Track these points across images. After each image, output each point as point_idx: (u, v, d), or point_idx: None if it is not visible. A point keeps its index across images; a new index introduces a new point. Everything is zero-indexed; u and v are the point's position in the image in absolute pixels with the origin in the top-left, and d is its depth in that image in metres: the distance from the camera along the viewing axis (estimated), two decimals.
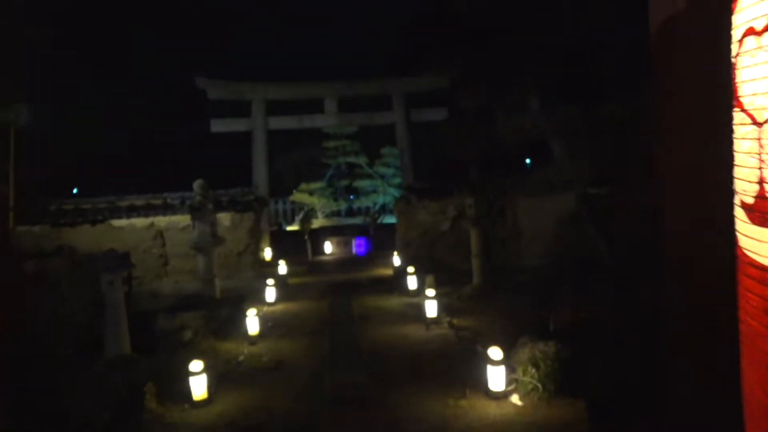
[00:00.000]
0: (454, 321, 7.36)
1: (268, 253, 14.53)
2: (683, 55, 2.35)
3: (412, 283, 9.42)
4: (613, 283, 5.25)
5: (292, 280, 11.66)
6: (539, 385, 4.64)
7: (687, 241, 2.65)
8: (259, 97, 15.36)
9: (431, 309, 7.40)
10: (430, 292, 7.55)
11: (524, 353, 4.94)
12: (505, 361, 4.78)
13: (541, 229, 11.71)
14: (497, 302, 8.38)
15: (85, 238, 10.96)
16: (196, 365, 5.08)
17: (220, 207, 9.25)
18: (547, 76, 6.72)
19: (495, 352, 4.74)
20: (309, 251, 15.10)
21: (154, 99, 32.68)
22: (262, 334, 7.36)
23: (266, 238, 14.88)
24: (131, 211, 10.96)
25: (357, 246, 15.71)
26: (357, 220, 18.19)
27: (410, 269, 9.55)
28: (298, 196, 18.53)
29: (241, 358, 6.41)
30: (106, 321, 6.32)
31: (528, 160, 32.39)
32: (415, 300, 9.08)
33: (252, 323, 7.09)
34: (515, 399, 4.69)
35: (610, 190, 8.69)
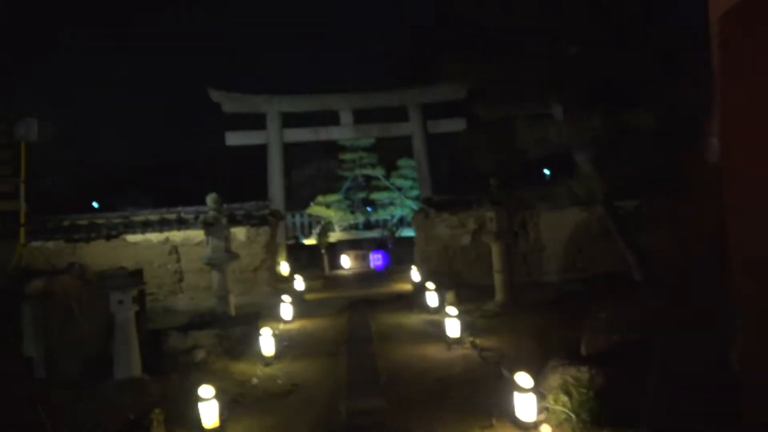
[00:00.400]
0: (477, 341, 7.02)
1: (284, 268, 14.30)
2: (752, 50, 2.05)
3: (432, 299, 9.11)
4: (649, 300, 4.89)
5: (308, 296, 11.41)
6: (572, 415, 4.29)
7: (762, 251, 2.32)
8: (274, 109, 15.20)
9: (453, 328, 7.07)
10: (452, 310, 7.23)
11: (555, 379, 4.60)
12: (535, 387, 4.44)
13: (565, 242, 11.36)
14: (522, 320, 8.02)
15: (99, 253, 10.83)
16: (206, 391, 4.81)
17: (234, 221, 9.05)
18: (571, 82, 6.41)
19: (523, 379, 4.41)
20: (326, 265, 14.87)
21: (171, 113, 32.94)
22: (277, 354, 7.08)
23: (283, 253, 14.67)
24: (146, 226, 10.80)
25: (375, 260, 15.45)
26: (374, 234, 17.93)
27: (430, 285, 9.24)
28: (314, 209, 18.33)
29: (255, 380, 6.14)
30: (115, 341, 6.11)
31: (547, 171, 31.90)
32: (435, 317, 8.76)
33: (266, 343, 6.82)
34: (546, 429, 4.35)
35: (642, 201, 8.34)
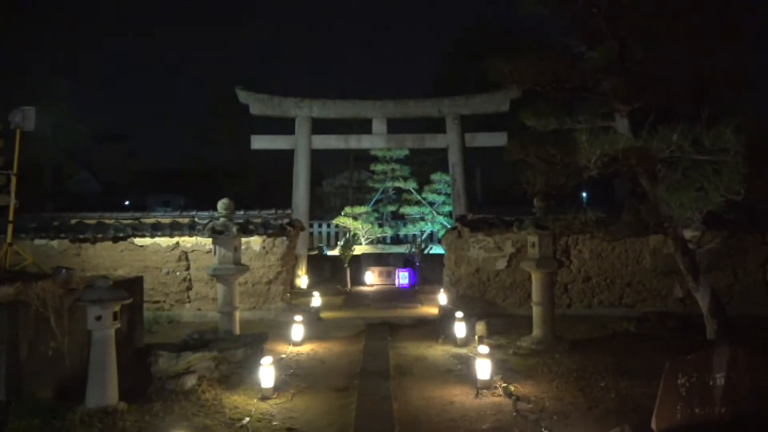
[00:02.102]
0: (512, 387, 5.98)
1: (304, 281, 13.45)
2: None
3: (459, 329, 8.10)
4: (738, 362, 3.82)
5: (325, 314, 10.50)
6: None
7: None
8: (304, 113, 14.41)
9: (483, 370, 6.05)
10: (483, 348, 6.21)
11: None
12: None
13: (613, 274, 10.23)
14: (563, 363, 6.95)
15: (105, 255, 10.17)
16: None
17: (247, 230, 8.22)
18: (644, 89, 5.40)
19: None
20: (348, 280, 13.96)
21: (209, 117, 32.64)
22: (279, 385, 6.18)
23: (303, 264, 13.83)
24: (155, 230, 10.05)
25: (401, 278, 14.49)
26: (402, 249, 16.97)
27: (458, 314, 8.23)
28: (342, 220, 17.50)
29: (247, 420, 5.22)
30: (90, 363, 5.28)
31: (584, 194, 30.57)
32: (462, 351, 7.76)
33: (266, 374, 5.91)
34: None
35: (703, 233, 7.24)
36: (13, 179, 6.85)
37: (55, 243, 10.01)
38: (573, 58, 6.29)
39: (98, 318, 5.21)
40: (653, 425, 3.79)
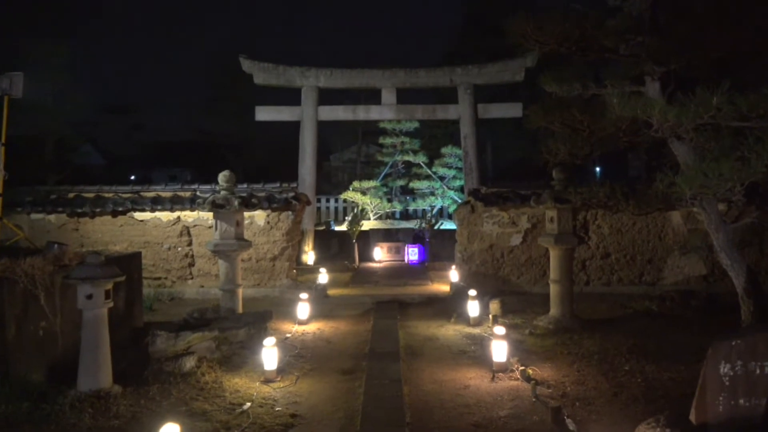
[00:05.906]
0: (529, 370, 5.62)
1: (310, 257, 13.12)
2: None
3: (473, 308, 7.74)
4: None
5: (332, 291, 10.18)
6: None
7: None
8: (310, 83, 13.90)
9: (499, 351, 5.70)
10: (499, 329, 5.84)
11: None
12: None
13: (633, 250, 9.79)
14: (583, 344, 6.58)
15: (105, 230, 9.86)
16: (170, 430, 3.58)
17: (250, 204, 7.84)
18: (680, 48, 4.91)
19: None
20: (356, 256, 13.63)
21: (211, 89, 32.02)
22: (283, 366, 5.87)
23: (309, 240, 13.48)
24: (156, 204, 9.69)
25: (410, 254, 14.14)
26: (411, 224, 16.59)
27: (471, 292, 7.86)
28: (350, 195, 17.13)
29: (248, 405, 4.89)
30: (81, 344, 4.96)
31: (597, 169, 29.88)
32: (476, 331, 7.41)
33: (269, 356, 5.58)
34: None
35: (755, 208, 6.79)
36: (2, 150, 6.47)
37: (52, 217, 9.70)
38: (600, 17, 5.79)
39: (89, 297, 4.88)
40: (692, 417, 3.41)
